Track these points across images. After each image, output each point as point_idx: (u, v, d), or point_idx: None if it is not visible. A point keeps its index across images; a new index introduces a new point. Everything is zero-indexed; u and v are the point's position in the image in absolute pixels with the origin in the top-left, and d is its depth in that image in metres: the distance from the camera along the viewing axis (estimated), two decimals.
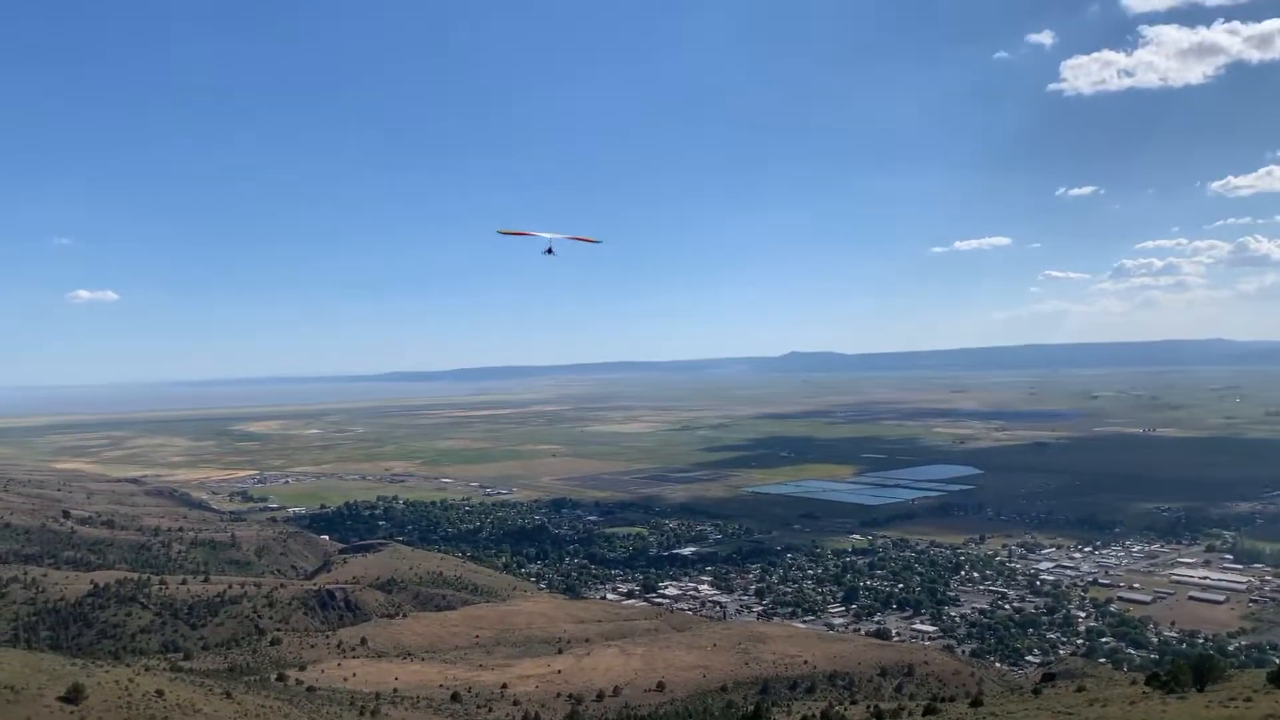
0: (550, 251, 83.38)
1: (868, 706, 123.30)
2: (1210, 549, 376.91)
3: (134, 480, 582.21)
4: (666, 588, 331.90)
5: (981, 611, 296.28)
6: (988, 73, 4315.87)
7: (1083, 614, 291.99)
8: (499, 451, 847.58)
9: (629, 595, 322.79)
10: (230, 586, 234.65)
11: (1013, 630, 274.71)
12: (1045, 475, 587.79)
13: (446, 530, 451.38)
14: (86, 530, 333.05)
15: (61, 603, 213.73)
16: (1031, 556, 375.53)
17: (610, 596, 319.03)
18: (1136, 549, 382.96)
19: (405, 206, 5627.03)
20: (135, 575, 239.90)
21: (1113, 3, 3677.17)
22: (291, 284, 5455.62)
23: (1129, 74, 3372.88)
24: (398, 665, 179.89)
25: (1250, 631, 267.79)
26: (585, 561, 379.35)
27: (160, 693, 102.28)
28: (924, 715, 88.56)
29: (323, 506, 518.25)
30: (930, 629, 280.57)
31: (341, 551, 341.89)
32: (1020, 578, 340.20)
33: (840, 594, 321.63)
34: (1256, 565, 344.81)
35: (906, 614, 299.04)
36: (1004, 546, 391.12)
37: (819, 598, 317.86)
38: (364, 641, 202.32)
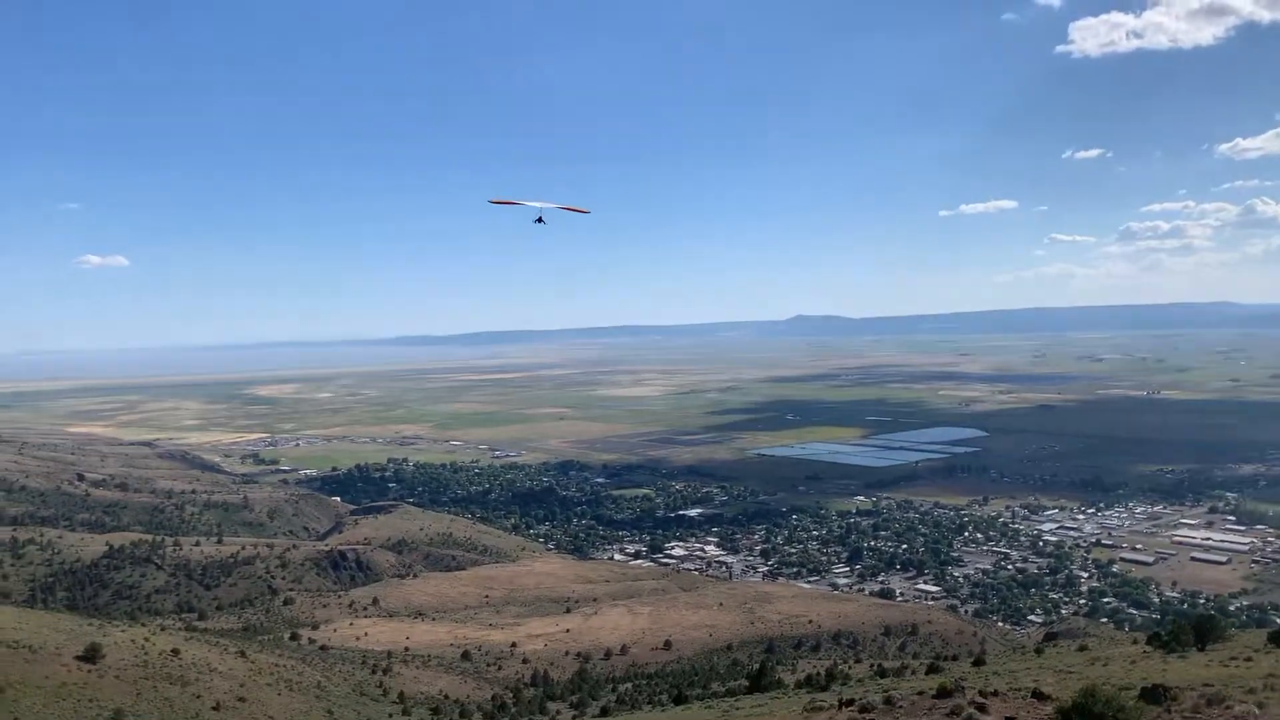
0: (540, 220, 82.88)
1: (872, 665, 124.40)
2: (1213, 510, 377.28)
3: (147, 444, 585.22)
4: (673, 548, 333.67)
5: (985, 572, 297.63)
6: (995, 34, 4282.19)
7: (1085, 575, 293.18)
8: (507, 415, 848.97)
9: (636, 556, 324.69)
10: (243, 548, 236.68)
11: (1015, 590, 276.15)
12: (1049, 438, 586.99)
13: (456, 492, 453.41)
14: (100, 493, 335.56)
15: (77, 564, 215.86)
16: (1035, 518, 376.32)
17: (618, 557, 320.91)
18: (1139, 510, 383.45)
19: (414, 171, 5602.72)
20: (149, 537, 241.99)
21: None
22: (303, 249, 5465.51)
23: (1138, 35, 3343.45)
24: (409, 624, 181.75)
25: (1252, 592, 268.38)
26: (593, 523, 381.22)
27: (176, 652, 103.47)
28: (927, 674, 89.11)
29: (334, 469, 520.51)
30: (934, 589, 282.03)
31: (353, 513, 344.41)
32: (1023, 539, 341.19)
33: (845, 555, 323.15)
34: (1259, 526, 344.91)
35: (910, 574, 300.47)
36: (1007, 508, 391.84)
37: (824, 558, 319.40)
38: (376, 601, 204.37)
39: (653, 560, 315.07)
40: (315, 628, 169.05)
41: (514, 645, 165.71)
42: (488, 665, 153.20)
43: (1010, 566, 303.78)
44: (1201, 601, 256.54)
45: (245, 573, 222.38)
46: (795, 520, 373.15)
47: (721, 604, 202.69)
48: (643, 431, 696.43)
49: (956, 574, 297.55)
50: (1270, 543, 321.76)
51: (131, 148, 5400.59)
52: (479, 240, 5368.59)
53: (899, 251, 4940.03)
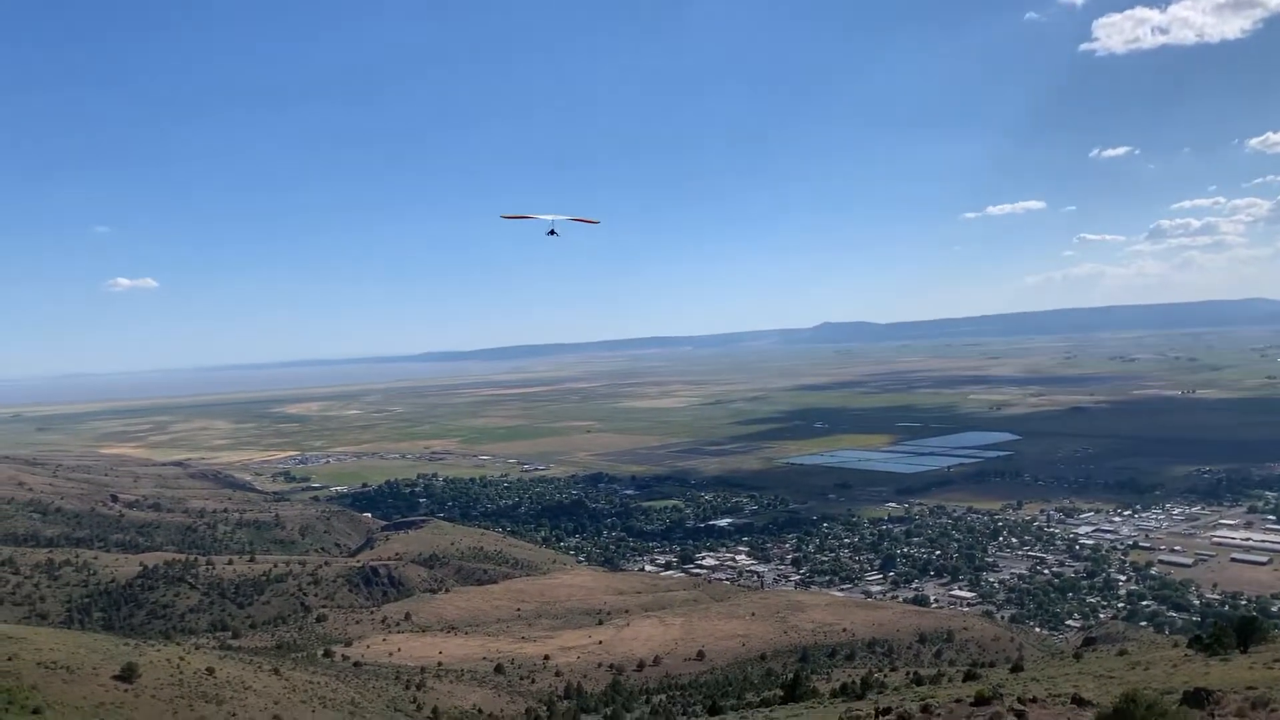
0: (553, 233, 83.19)
1: (907, 673, 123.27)
2: (1252, 510, 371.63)
3: (179, 463, 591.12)
4: (704, 559, 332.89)
5: (1020, 577, 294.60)
6: (1018, 34, 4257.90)
7: (1123, 578, 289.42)
8: (535, 428, 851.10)
9: (667, 567, 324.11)
10: (275, 565, 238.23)
11: (1052, 595, 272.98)
12: (1083, 440, 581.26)
13: (486, 506, 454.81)
14: (134, 513, 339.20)
15: (112, 584, 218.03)
16: (1070, 521, 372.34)
17: (648, 568, 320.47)
18: (1177, 512, 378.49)
19: (437, 187, 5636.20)
20: (183, 556, 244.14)
21: None
22: (327, 268, 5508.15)
23: (1163, 31, 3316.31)
24: (442, 639, 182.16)
25: None
26: (623, 534, 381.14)
27: (211, 670, 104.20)
28: (964, 681, 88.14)
29: (364, 485, 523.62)
30: (969, 595, 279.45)
31: (384, 529, 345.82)
32: (1059, 542, 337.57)
33: (877, 562, 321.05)
34: None
35: (944, 581, 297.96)
36: (1042, 512, 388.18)
37: (856, 566, 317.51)
38: (408, 616, 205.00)
39: (684, 571, 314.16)
40: (348, 644, 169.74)
41: (546, 658, 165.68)
42: (521, 678, 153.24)
43: (1046, 571, 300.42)
44: (1243, 603, 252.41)
45: (278, 590, 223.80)
46: (826, 528, 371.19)
47: (754, 613, 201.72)
48: (670, 442, 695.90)
49: (991, 579, 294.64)
50: None
51: (160, 170, 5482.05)
52: (502, 255, 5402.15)
53: (925, 255, 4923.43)
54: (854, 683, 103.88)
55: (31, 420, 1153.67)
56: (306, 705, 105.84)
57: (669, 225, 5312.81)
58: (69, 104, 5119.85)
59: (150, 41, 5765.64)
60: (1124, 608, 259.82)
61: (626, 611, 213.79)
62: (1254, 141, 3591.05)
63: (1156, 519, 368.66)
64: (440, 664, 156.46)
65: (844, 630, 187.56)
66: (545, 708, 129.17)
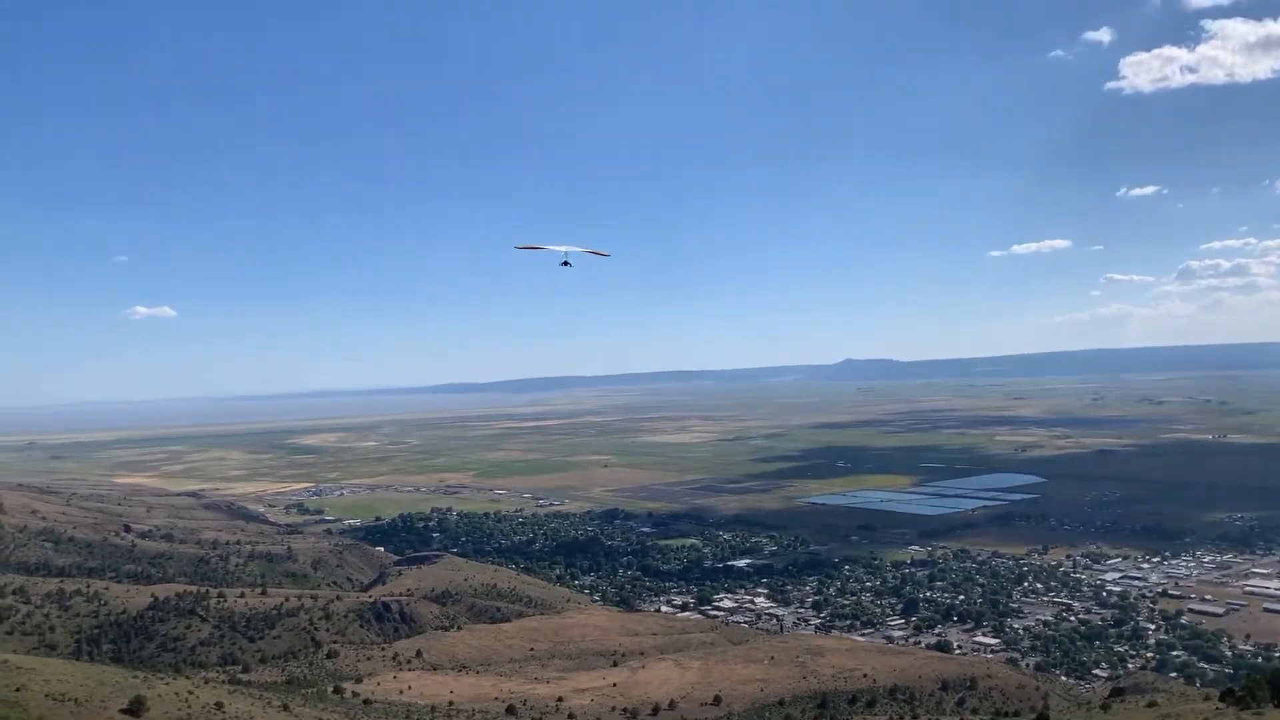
0: (567, 264, 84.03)
1: None
2: None
3: (192, 494, 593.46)
4: (722, 600, 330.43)
5: (1046, 624, 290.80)
6: (1044, 72, 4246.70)
7: (1152, 626, 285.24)
8: (550, 462, 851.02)
9: (683, 608, 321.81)
10: (287, 599, 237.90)
11: (1079, 643, 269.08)
12: (1110, 484, 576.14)
13: (500, 542, 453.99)
14: (147, 544, 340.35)
15: (123, 616, 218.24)
16: (1097, 567, 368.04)
17: (664, 609, 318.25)
18: (1208, 559, 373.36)
19: (453, 217, 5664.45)
20: (194, 588, 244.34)
21: None
22: (344, 299, 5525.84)
23: (1192, 70, 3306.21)
24: (453, 678, 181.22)
25: None
26: (639, 574, 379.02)
27: (219, 705, 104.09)
28: None
29: (377, 519, 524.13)
30: (993, 642, 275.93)
31: (396, 563, 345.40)
32: (1086, 589, 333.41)
33: (899, 606, 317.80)
34: None
35: (968, 626, 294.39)
36: (1068, 557, 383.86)
37: (878, 610, 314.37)
38: (419, 654, 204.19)
39: (701, 612, 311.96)
40: (359, 681, 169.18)
41: (560, 700, 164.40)
42: None
43: (1073, 618, 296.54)
44: (1276, 655, 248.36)
45: (289, 625, 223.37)
46: (848, 571, 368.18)
47: (773, 658, 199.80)
48: (688, 479, 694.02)
49: (1016, 626, 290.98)
50: None
51: (180, 199, 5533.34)
52: (519, 286, 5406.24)
53: (950, 293, 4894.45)
54: None
55: (46, 448, 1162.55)
56: None
57: (690, 256, 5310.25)
58: (91, 132, 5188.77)
59: (172, 71, 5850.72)
60: (1153, 657, 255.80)
61: (642, 653, 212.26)
62: None
63: (1186, 566, 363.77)
64: (451, 704, 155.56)
65: (865, 676, 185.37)
66: None
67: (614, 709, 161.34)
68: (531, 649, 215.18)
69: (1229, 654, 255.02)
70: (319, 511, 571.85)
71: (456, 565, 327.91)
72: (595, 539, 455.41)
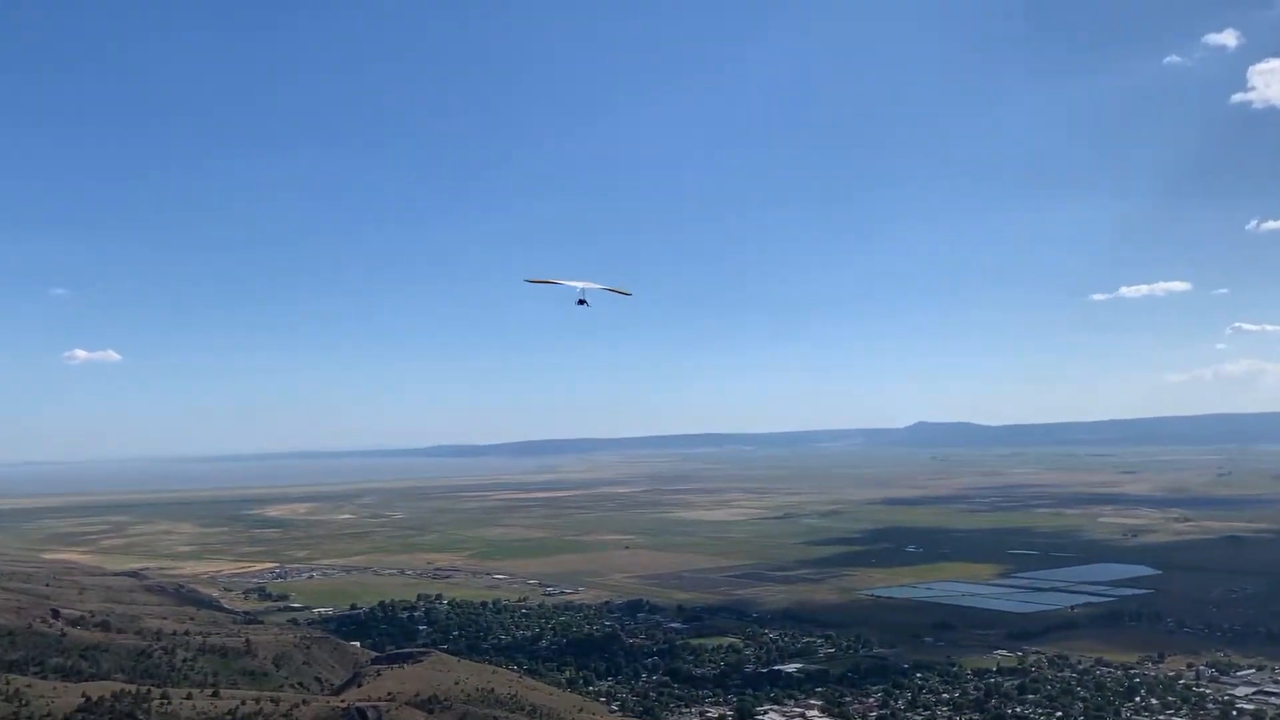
0: (583, 302, 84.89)
1: None
2: None
3: (134, 574, 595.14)
4: (766, 713, 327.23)
5: None
6: (1157, 83, 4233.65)
7: None
8: (561, 541, 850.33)
9: None
10: (244, 702, 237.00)
11: None
12: (1241, 577, 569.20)
13: (499, 637, 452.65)
14: (78, 633, 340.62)
15: (48, 719, 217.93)
16: (1225, 679, 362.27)
17: None
18: None
19: (450, 256, 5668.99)
20: (133, 687, 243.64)
21: None
22: (319, 346, 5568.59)
23: None
24: None
25: None
26: (666, 679, 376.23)
27: None
28: None
29: (353, 607, 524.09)
30: None
31: (374, 661, 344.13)
32: (1211, 705, 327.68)
33: None
34: None
35: None
36: (1189, 666, 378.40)
37: None
38: None
39: None
40: None
41: None
42: None
43: None
44: None
45: None
46: (920, 679, 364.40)
47: None
48: (727, 565, 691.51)
49: None
50: None
51: (128, 223, 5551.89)
52: (528, 334, 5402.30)
53: (1044, 345, 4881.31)
54: None
55: None
56: None
57: (727, 304, 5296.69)
58: (20, 143, 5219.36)
59: (118, 76, 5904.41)
60: None
61: None
62: None
63: None
64: None
65: None
66: None
67: None
68: None
69: None
70: (283, 597, 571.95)
71: (447, 665, 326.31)
72: (614, 635, 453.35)
